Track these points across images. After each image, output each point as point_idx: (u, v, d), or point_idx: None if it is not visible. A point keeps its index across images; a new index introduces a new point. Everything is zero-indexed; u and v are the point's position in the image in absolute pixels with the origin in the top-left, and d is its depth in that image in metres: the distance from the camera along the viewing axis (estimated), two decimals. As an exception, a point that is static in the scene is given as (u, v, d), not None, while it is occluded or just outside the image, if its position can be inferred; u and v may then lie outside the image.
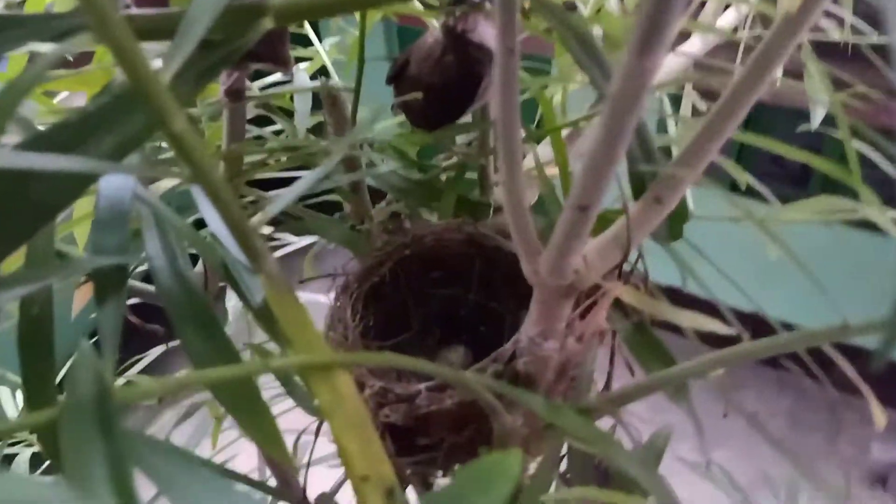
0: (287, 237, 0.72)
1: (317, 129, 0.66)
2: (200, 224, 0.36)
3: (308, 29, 0.63)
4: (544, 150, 0.64)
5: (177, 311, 0.31)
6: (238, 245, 0.28)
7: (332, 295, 0.44)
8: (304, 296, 0.77)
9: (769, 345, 0.31)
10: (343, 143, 0.34)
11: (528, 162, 0.65)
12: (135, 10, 0.29)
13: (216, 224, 0.32)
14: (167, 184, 0.49)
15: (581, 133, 0.64)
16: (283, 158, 0.53)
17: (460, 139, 0.59)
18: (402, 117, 0.68)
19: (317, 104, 0.58)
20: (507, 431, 0.34)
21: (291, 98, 0.55)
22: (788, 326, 0.46)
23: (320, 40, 0.64)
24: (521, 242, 0.35)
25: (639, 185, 0.36)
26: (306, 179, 0.31)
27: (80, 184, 0.25)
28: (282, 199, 0.30)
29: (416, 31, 0.60)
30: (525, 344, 0.37)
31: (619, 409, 0.34)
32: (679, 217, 0.41)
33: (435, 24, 0.53)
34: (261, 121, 0.60)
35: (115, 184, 0.29)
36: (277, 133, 0.57)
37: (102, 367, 0.23)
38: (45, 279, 0.25)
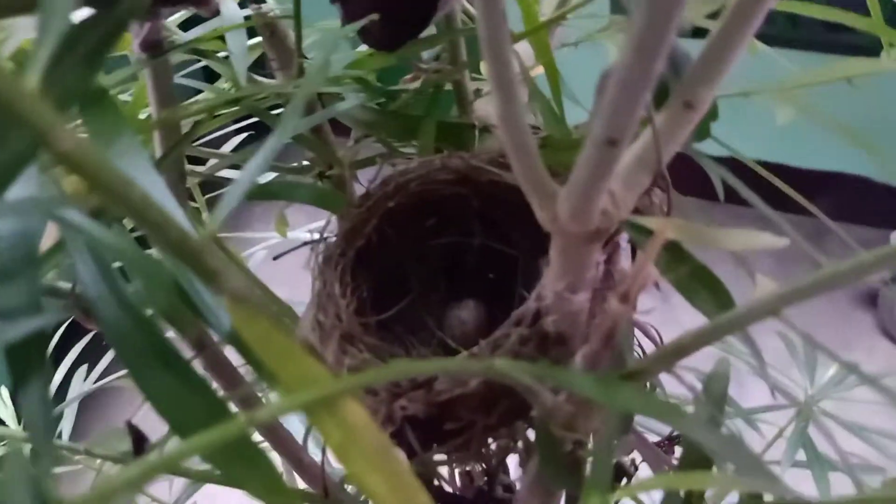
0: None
1: (258, 64, 0.59)
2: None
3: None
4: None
5: (123, 347, 0.25)
6: (189, 268, 0.22)
7: (313, 269, 0.38)
8: (293, 235, 0.71)
9: (855, 267, 0.26)
10: (304, 88, 0.28)
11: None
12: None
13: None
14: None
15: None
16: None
17: (427, 55, 0.52)
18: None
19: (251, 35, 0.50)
20: (548, 412, 0.30)
21: (223, 38, 0.48)
22: (818, 173, 0.42)
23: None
24: (530, 186, 0.30)
25: (661, 91, 0.30)
26: (265, 152, 0.25)
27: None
28: (231, 194, 0.23)
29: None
30: (551, 300, 0.32)
31: (672, 366, 0.29)
32: (707, 115, 0.35)
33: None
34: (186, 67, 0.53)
35: (11, 225, 0.23)
36: (213, 80, 0.50)
37: (41, 478, 0.17)
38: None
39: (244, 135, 0.75)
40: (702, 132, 0.37)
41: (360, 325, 0.36)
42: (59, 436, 0.84)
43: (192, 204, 0.63)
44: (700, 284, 0.34)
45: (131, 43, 0.42)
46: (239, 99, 0.43)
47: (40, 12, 0.18)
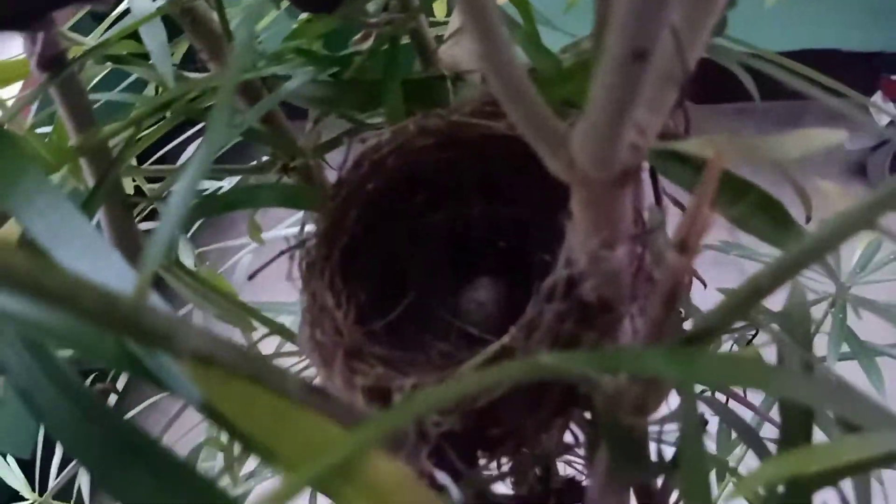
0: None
1: (189, 58, 0.53)
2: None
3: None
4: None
5: (85, 449, 0.20)
6: (126, 335, 0.17)
7: (298, 280, 0.33)
8: (275, 234, 0.65)
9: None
10: (231, 74, 0.23)
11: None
12: None
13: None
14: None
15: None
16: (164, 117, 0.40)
17: (373, 7, 0.46)
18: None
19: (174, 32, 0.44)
20: (612, 399, 0.25)
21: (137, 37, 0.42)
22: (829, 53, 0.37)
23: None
24: (535, 133, 0.24)
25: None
26: (193, 172, 0.20)
27: None
28: (163, 226, 0.18)
29: None
30: (584, 262, 0.27)
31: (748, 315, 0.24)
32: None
33: None
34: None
35: None
36: (139, 88, 0.44)
37: None
38: None
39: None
40: (719, 24, 0.31)
41: (364, 335, 0.31)
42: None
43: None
44: (756, 210, 0.29)
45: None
46: (169, 102, 0.37)
47: None
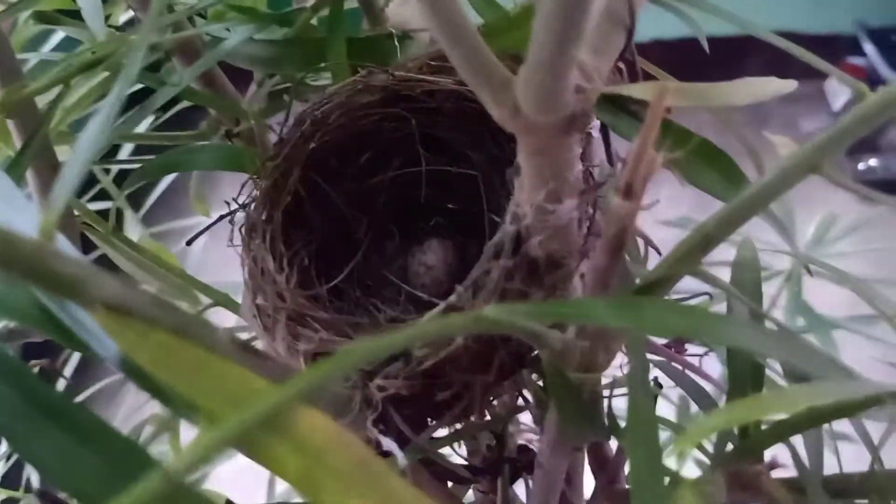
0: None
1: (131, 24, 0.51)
2: None
3: None
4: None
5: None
6: (34, 282, 0.16)
7: (239, 243, 0.32)
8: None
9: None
10: (149, 24, 0.22)
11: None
12: None
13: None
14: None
15: None
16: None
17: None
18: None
19: None
20: (559, 355, 0.24)
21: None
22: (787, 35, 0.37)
23: None
24: (477, 78, 0.23)
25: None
26: (98, 124, 0.19)
27: None
28: (66, 178, 0.17)
29: None
30: (531, 217, 0.26)
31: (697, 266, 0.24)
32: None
33: None
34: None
35: None
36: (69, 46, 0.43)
37: None
38: None
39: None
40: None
41: (307, 299, 0.30)
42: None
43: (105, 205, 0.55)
44: (704, 161, 0.29)
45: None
46: (99, 61, 0.36)
47: None
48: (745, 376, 0.26)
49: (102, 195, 0.61)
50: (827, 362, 0.21)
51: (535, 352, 0.29)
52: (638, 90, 0.24)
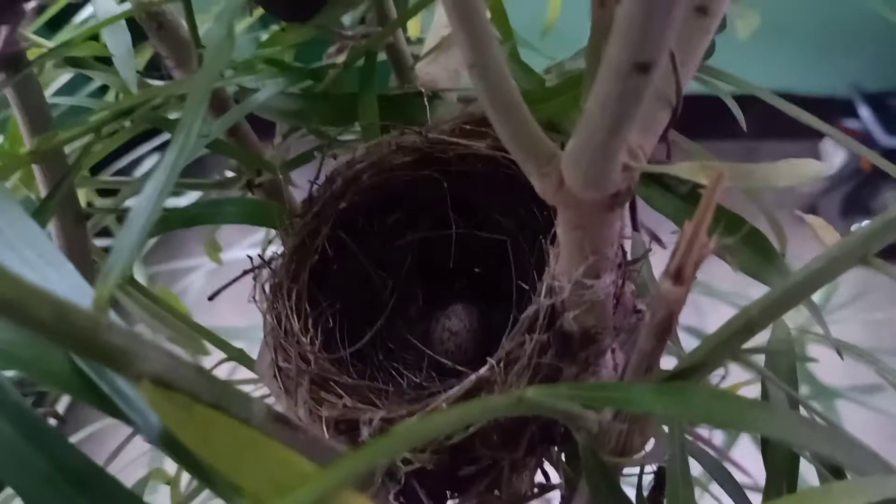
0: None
1: (152, 66, 0.51)
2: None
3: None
4: None
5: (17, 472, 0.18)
6: (81, 351, 0.15)
7: (262, 302, 0.32)
8: (231, 256, 0.63)
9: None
10: (201, 81, 0.22)
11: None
12: None
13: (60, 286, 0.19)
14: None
15: None
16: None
17: (349, 19, 0.45)
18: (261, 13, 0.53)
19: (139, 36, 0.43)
20: (596, 437, 0.24)
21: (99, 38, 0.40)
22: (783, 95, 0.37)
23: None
24: (524, 150, 0.24)
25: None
26: (160, 179, 0.19)
27: None
28: (125, 238, 0.17)
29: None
30: (568, 291, 0.26)
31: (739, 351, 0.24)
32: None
33: None
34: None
35: None
36: (100, 93, 0.43)
37: None
38: None
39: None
40: (709, 48, 0.31)
41: (331, 362, 0.30)
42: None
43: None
44: (743, 243, 0.29)
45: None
46: (131, 109, 0.36)
47: None
48: (783, 465, 0.26)
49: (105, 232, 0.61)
50: (870, 456, 0.21)
51: (564, 428, 0.29)
52: (684, 170, 0.24)
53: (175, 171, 0.19)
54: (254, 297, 0.33)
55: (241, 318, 0.54)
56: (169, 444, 0.17)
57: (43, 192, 0.36)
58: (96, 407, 0.18)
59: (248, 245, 0.74)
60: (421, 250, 0.37)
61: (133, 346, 0.16)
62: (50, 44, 0.40)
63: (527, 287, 0.32)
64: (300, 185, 0.41)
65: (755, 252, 0.30)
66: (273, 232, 0.40)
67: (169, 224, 0.38)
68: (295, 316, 0.31)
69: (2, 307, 0.13)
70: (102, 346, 0.16)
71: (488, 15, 0.42)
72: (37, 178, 0.36)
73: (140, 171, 0.80)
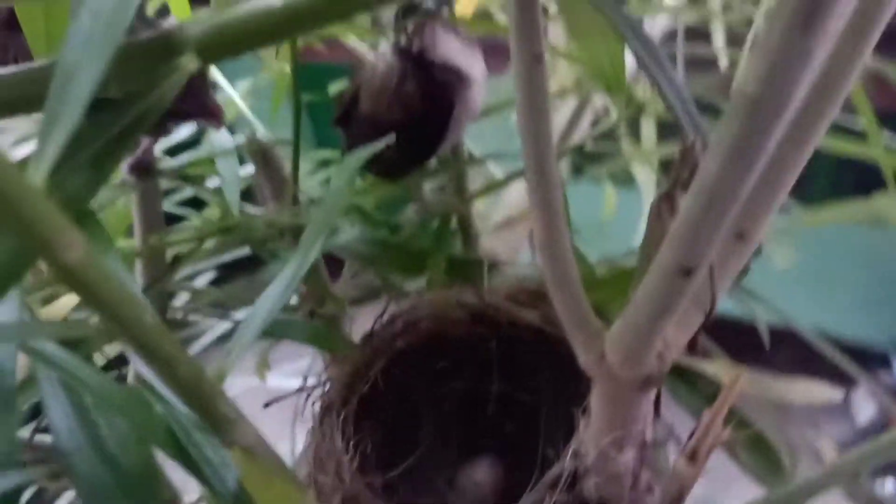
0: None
1: (246, 195, 0.57)
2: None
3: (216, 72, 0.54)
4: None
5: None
6: (196, 414, 0.19)
7: (312, 417, 0.35)
8: (273, 382, 0.66)
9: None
10: (307, 240, 0.26)
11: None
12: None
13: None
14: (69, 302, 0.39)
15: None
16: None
17: (430, 186, 0.51)
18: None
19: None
20: None
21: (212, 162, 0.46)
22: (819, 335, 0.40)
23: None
24: (573, 324, 0.27)
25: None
26: (272, 296, 0.23)
27: None
28: (243, 333, 0.21)
29: (322, 67, 0.52)
30: (593, 458, 0.29)
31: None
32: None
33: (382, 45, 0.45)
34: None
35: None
36: (197, 206, 0.48)
37: None
38: None
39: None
40: (744, 269, 0.35)
41: (365, 485, 0.33)
42: None
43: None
44: (755, 450, 0.32)
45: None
46: (230, 228, 0.41)
47: (48, 107, 0.16)
48: None
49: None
50: None
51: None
52: (711, 368, 0.28)
53: (293, 285, 0.23)
54: (300, 414, 0.36)
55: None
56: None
57: (139, 282, 0.40)
58: (182, 463, 0.21)
59: (283, 372, 0.77)
60: (461, 400, 0.40)
61: (236, 417, 0.19)
62: (170, 161, 0.46)
63: (552, 453, 0.35)
64: (356, 320, 0.45)
65: (761, 457, 0.32)
66: (314, 359, 0.43)
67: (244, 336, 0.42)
68: (340, 436, 0.33)
69: (164, 364, 0.17)
70: (216, 409, 0.19)
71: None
72: (137, 270, 0.41)
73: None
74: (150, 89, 0.18)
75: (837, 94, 0.22)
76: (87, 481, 0.22)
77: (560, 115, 0.57)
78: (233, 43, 0.20)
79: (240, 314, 0.59)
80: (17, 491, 0.18)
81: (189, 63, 0.19)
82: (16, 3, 0.22)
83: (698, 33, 0.68)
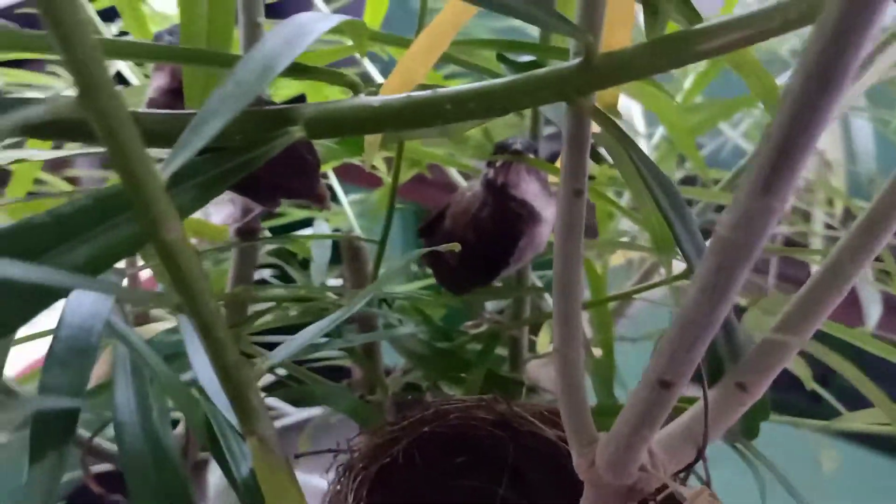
0: (283, 407, 0.66)
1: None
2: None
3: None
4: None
5: (138, 481, 0.25)
6: (228, 398, 0.23)
7: (332, 476, 0.38)
8: (298, 476, 0.70)
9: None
10: (362, 294, 0.30)
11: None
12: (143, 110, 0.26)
13: (204, 372, 0.27)
14: (157, 327, 0.44)
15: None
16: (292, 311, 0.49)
17: (490, 305, 0.55)
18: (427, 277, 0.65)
19: (334, 259, 0.54)
20: None
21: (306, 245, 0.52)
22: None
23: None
24: (572, 426, 0.30)
25: (716, 366, 0.31)
26: (318, 326, 0.27)
27: (40, 300, 0.20)
28: (289, 344, 0.25)
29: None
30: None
31: None
32: (759, 411, 0.36)
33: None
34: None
35: (85, 307, 0.24)
36: (284, 280, 0.54)
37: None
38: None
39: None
40: (752, 430, 0.37)
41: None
42: None
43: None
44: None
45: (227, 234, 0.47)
46: (308, 300, 0.46)
47: (183, 136, 0.21)
48: None
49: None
50: None
51: None
52: (689, 495, 0.29)
53: (314, 336, 0.27)
54: (326, 471, 0.39)
55: None
56: (246, 491, 0.24)
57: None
58: (209, 447, 0.25)
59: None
60: (472, 494, 0.42)
61: (260, 409, 0.23)
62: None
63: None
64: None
65: None
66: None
67: (291, 398, 0.46)
68: (352, 496, 0.36)
69: (217, 347, 0.21)
70: (248, 400, 0.23)
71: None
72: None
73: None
74: (261, 145, 0.24)
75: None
76: (129, 448, 0.26)
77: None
78: (334, 125, 0.26)
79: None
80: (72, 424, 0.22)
81: (297, 132, 0.24)
82: (185, 66, 0.28)
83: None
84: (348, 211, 0.60)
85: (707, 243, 0.22)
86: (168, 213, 0.19)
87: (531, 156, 0.43)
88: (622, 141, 0.26)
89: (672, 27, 0.27)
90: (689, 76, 0.68)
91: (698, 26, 0.25)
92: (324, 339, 0.46)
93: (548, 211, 0.44)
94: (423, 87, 0.33)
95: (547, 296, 0.51)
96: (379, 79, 0.53)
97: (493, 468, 0.42)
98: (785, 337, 0.27)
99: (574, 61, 0.25)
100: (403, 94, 0.25)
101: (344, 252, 0.54)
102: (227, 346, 0.22)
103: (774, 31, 0.25)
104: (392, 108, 0.25)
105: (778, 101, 0.19)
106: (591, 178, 0.47)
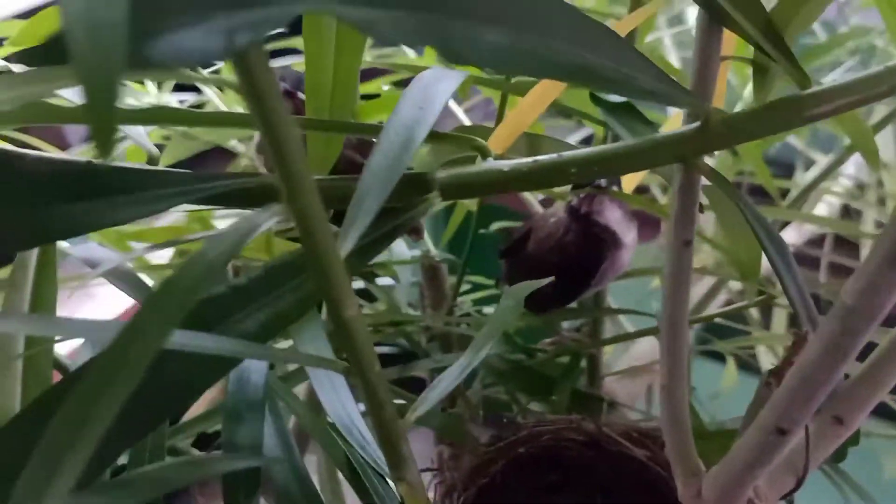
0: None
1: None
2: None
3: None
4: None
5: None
6: (381, 447, 0.24)
7: (433, 496, 0.40)
8: None
9: None
10: (486, 335, 0.32)
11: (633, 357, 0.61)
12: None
13: (342, 417, 0.29)
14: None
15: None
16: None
17: (567, 324, 0.56)
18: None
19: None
20: None
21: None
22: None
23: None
24: (678, 459, 0.31)
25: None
26: (458, 367, 0.28)
27: (225, 366, 0.22)
28: (435, 387, 0.26)
29: (492, 208, 0.60)
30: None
31: None
32: (850, 438, 0.37)
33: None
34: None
35: (247, 363, 0.26)
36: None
37: None
38: (160, 485, 0.22)
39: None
40: (841, 454, 0.38)
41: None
42: None
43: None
44: None
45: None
46: (395, 322, 0.48)
47: (350, 209, 0.22)
48: None
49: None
50: None
51: None
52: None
53: (461, 375, 0.28)
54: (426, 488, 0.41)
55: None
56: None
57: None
58: (356, 489, 0.27)
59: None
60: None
61: (410, 457, 0.25)
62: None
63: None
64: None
65: None
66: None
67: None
68: (456, 515, 0.38)
69: (377, 405, 0.23)
70: (398, 449, 0.25)
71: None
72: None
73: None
74: (408, 209, 0.25)
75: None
76: (281, 487, 0.28)
77: (697, 289, 0.62)
78: (466, 189, 0.27)
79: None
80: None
81: (436, 198, 0.26)
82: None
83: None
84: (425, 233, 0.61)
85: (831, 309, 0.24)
86: (348, 293, 0.21)
87: (614, 188, 0.44)
88: (734, 196, 0.27)
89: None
90: (747, 85, 0.68)
91: (809, 91, 0.26)
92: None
93: (629, 236, 0.46)
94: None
95: (622, 318, 0.52)
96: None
97: (584, 487, 0.43)
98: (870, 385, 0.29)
99: (692, 125, 0.27)
100: (531, 160, 0.27)
101: (423, 272, 0.55)
102: (386, 404, 0.23)
103: (882, 95, 0.26)
104: (520, 173, 0.27)
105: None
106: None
